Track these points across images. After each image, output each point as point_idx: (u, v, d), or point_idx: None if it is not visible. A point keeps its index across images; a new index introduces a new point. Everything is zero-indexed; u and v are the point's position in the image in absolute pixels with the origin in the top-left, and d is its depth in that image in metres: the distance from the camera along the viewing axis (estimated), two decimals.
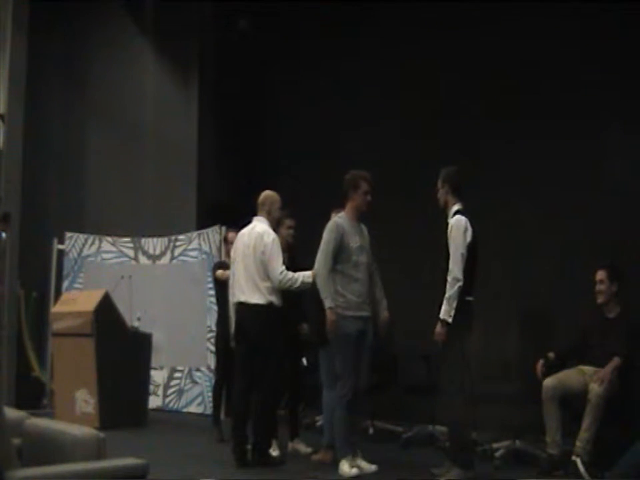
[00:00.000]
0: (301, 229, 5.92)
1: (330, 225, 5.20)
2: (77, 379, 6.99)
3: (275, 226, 5.51)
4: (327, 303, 5.03)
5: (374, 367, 5.32)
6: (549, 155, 6.46)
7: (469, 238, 4.79)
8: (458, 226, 4.80)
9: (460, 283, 4.70)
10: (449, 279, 4.72)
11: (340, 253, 5.10)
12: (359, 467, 5.09)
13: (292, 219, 5.87)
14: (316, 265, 5.14)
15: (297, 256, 5.71)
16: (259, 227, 5.42)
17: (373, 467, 5.12)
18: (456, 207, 4.93)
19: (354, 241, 5.14)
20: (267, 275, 5.28)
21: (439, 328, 4.73)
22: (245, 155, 9.04)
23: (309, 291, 5.41)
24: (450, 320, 4.68)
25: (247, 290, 5.33)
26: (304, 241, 5.83)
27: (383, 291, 5.35)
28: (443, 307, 4.72)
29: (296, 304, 5.67)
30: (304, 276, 5.27)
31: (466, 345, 4.79)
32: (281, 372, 5.44)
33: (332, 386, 5.43)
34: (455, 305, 4.69)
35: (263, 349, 5.27)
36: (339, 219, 5.21)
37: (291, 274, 5.27)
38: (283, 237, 5.79)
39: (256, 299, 5.29)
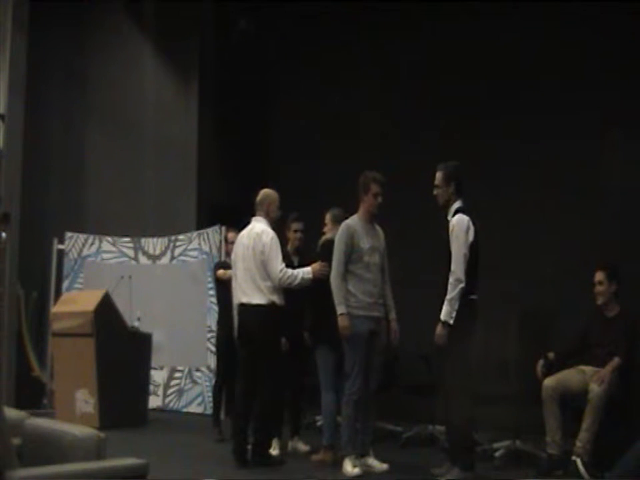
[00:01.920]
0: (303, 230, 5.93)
1: (340, 229, 5.22)
2: (77, 379, 6.99)
3: (275, 225, 5.50)
4: (340, 309, 5.04)
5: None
6: (549, 155, 6.47)
7: (471, 237, 4.76)
8: (460, 225, 4.77)
9: (462, 284, 4.67)
10: (451, 279, 4.69)
11: (351, 254, 5.11)
12: (369, 465, 5.12)
13: (299, 222, 5.87)
14: (332, 271, 5.14)
15: (308, 259, 5.62)
16: (257, 227, 5.41)
17: (385, 466, 5.14)
18: (457, 205, 4.90)
19: (365, 242, 5.14)
20: (267, 275, 5.28)
21: (439, 330, 4.70)
22: (245, 154, 9.03)
23: (310, 292, 5.42)
24: (451, 322, 4.66)
25: (249, 291, 5.33)
26: (307, 240, 5.84)
27: (392, 298, 5.33)
28: (444, 308, 4.68)
29: (298, 302, 5.67)
30: (303, 272, 5.28)
31: (470, 344, 4.77)
32: (283, 371, 5.45)
33: (330, 387, 5.44)
34: (456, 306, 4.66)
35: (265, 350, 5.27)
36: (350, 221, 5.22)
37: (290, 271, 5.28)
38: (291, 241, 5.81)
39: (257, 299, 5.28)
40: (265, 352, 5.28)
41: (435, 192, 4.97)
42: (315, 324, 5.57)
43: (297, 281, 5.27)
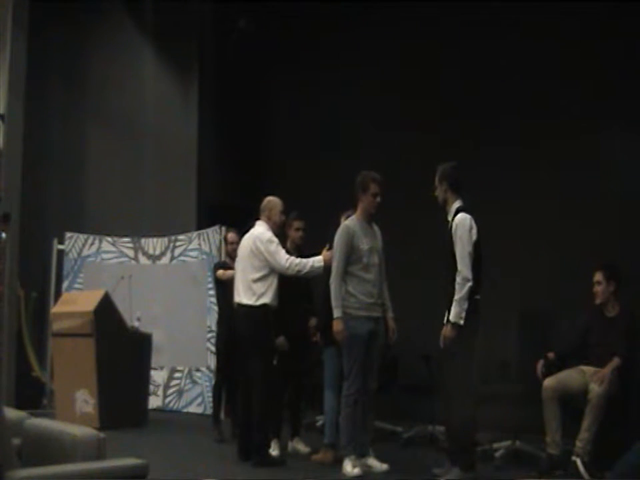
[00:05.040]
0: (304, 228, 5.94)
1: (340, 230, 5.20)
2: (76, 379, 6.99)
3: (277, 229, 5.54)
4: (336, 313, 5.03)
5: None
6: (549, 155, 6.47)
7: (474, 236, 4.74)
8: (463, 225, 4.74)
9: (470, 283, 4.64)
10: (459, 279, 4.64)
11: (350, 255, 5.10)
12: (369, 465, 5.12)
13: (300, 220, 5.88)
14: (332, 273, 5.13)
15: (307, 256, 5.65)
16: (256, 230, 5.49)
17: (385, 466, 5.14)
18: (456, 205, 4.88)
19: (364, 243, 5.13)
20: (261, 275, 5.33)
21: (448, 331, 4.65)
22: (245, 155, 9.03)
23: (323, 292, 5.42)
24: (461, 322, 4.62)
25: (242, 291, 5.42)
26: (308, 239, 5.84)
27: (389, 298, 5.32)
28: (454, 309, 4.63)
29: (301, 303, 5.68)
30: (313, 261, 5.29)
31: (473, 344, 4.74)
32: (281, 372, 5.46)
33: (334, 386, 5.45)
34: (465, 306, 4.62)
35: (255, 350, 5.32)
36: (349, 222, 5.21)
37: (298, 260, 5.30)
38: (291, 239, 5.83)
39: (249, 300, 5.35)
40: (256, 352, 5.31)
41: (435, 192, 4.99)
42: (326, 324, 5.55)
43: (307, 269, 5.28)
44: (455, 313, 4.64)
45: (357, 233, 5.15)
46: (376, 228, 5.33)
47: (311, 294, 5.93)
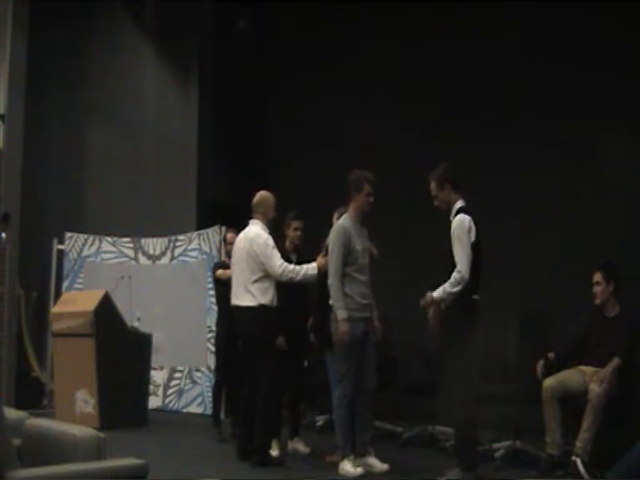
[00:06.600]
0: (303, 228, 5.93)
1: (337, 230, 5.16)
2: (77, 378, 6.99)
3: (272, 227, 5.51)
4: (340, 314, 4.99)
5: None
6: (549, 155, 6.47)
7: (473, 237, 4.72)
8: (462, 226, 4.72)
9: (466, 277, 4.61)
10: (456, 274, 4.62)
11: (347, 256, 5.08)
12: (370, 465, 5.10)
13: (299, 220, 5.86)
14: (329, 276, 5.09)
15: (305, 257, 5.61)
16: (252, 230, 5.45)
17: (385, 466, 5.13)
18: (458, 204, 4.85)
19: (358, 244, 5.12)
20: (259, 277, 5.31)
21: (427, 303, 4.67)
22: (245, 154, 9.04)
23: (316, 293, 5.42)
24: (439, 299, 4.64)
25: (240, 293, 5.40)
26: (307, 239, 5.84)
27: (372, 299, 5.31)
28: (440, 289, 4.64)
29: (299, 303, 5.67)
30: (307, 268, 5.27)
31: (473, 344, 4.74)
32: (281, 372, 5.46)
33: None
34: (449, 296, 4.62)
35: (255, 351, 5.31)
36: (344, 222, 5.17)
37: (291, 267, 5.28)
38: (290, 239, 5.81)
39: (247, 301, 5.33)
40: (257, 353, 5.31)
41: (435, 203, 4.92)
42: (321, 325, 5.53)
43: (300, 277, 5.26)
44: (438, 292, 4.64)
45: (353, 233, 5.13)
46: (364, 229, 5.29)
47: (309, 293, 5.91)
